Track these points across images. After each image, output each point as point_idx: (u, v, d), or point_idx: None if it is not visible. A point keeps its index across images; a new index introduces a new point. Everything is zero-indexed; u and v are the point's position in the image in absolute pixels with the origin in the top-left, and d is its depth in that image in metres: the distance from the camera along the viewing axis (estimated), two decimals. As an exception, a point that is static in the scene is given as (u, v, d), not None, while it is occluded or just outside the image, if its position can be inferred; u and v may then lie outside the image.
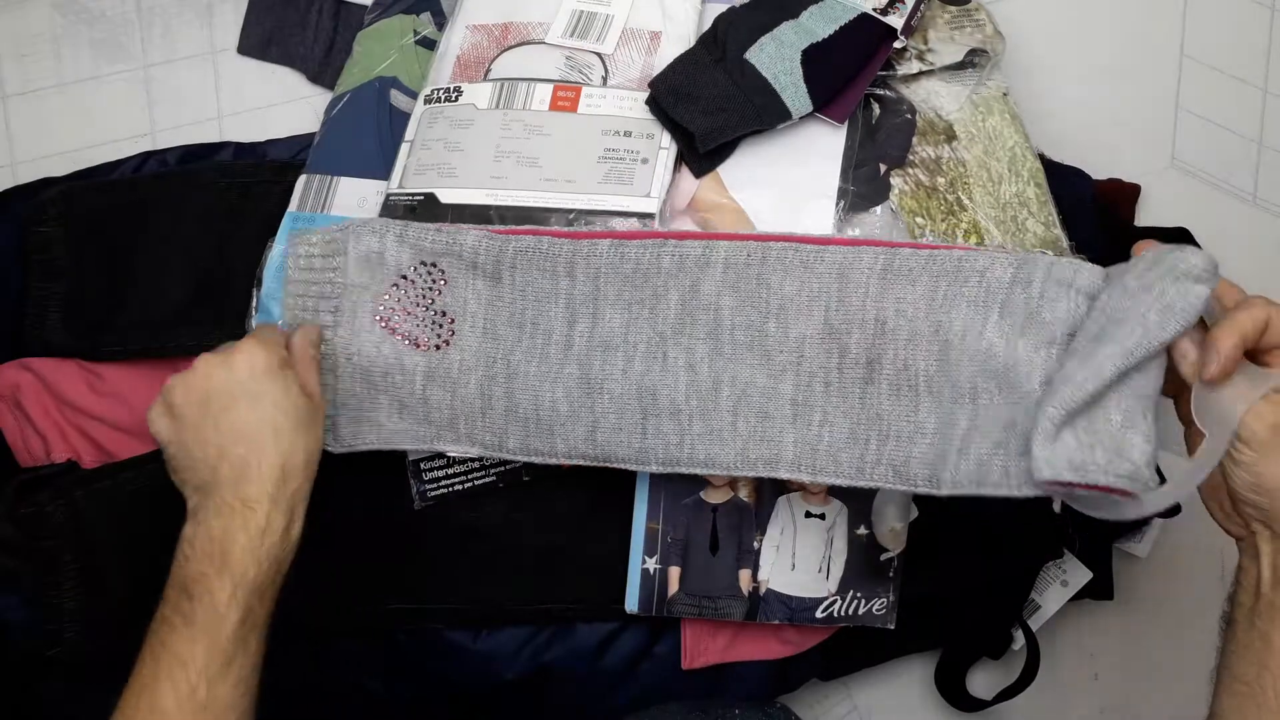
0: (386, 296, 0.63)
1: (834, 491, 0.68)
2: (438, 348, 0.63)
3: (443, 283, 0.63)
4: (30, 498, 0.68)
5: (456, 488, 0.69)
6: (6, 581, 0.68)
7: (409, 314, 0.63)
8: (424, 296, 0.63)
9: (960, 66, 0.73)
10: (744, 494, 0.68)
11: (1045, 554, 0.73)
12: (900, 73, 0.71)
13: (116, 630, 0.68)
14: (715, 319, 0.60)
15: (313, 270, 0.64)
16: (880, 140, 0.69)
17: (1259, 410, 0.50)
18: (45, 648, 0.68)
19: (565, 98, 0.67)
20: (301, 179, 0.72)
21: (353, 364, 0.63)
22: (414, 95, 0.73)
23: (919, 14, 0.72)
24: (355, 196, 0.70)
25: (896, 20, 0.70)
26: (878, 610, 0.69)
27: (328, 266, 0.64)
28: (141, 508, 0.68)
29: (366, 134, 0.72)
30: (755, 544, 0.69)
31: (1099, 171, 0.80)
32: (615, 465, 0.62)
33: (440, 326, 0.63)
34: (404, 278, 0.63)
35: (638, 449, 0.61)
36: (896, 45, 0.70)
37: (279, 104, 0.82)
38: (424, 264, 0.63)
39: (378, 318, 0.63)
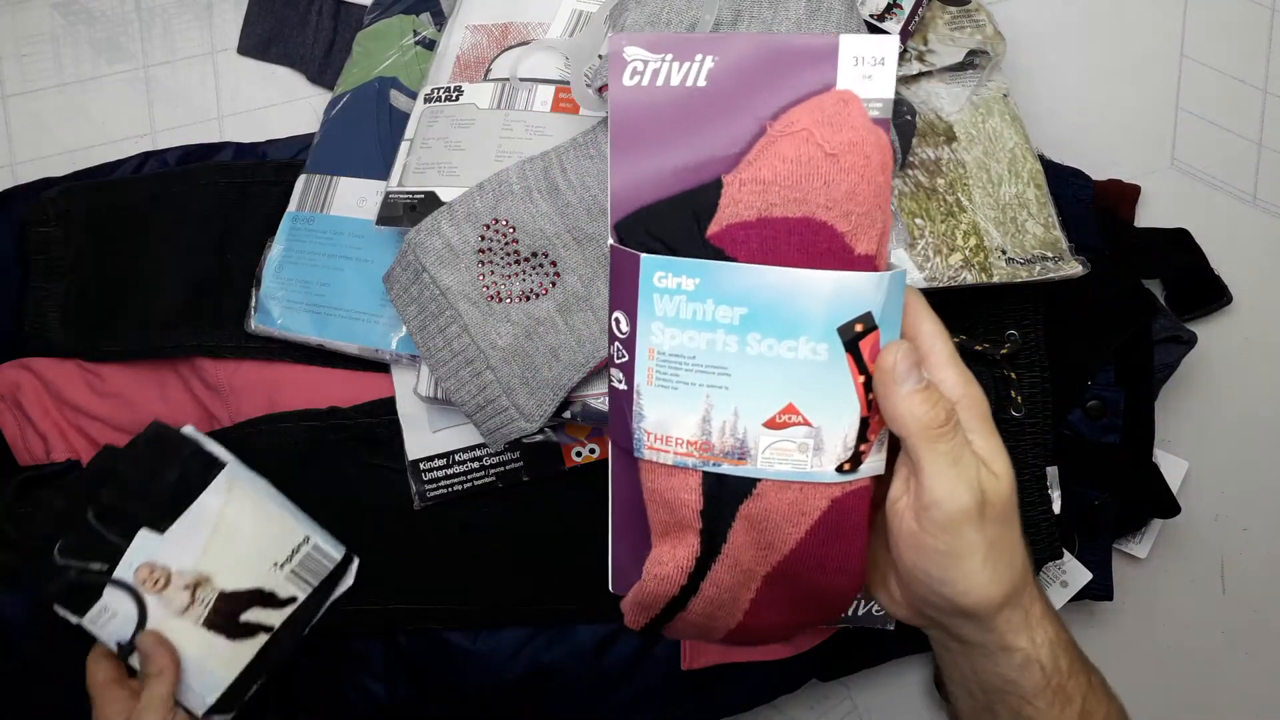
0: (481, 275, 0.62)
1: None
2: (554, 283, 0.62)
3: (512, 229, 0.61)
4: (31, 495, 0.68)
5: (456, 488, 0.69)
6: (7, 578, 0.68)
7: (510, 275, 0.62)
8: (509, 251, 0.62)
9: (960, 67, 0.73)
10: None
11: (1045, 554, 0.73)
12: (900, 74, 0.71)
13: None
14: None
15: (415, 300, 0.63)
16: (880, 141, 0.69)
17: (952, 483, 0.42)
18: (44, 644, 0.68)
19: (568, 99, 0.67)
20: (301, 179, 0.72)
21: (499, 348, 0.62)
22: (414, 95, 0.73)
23: (917, 17, 0.72)
24: (355, 196, 0.70)
25: (894, 25, 0.70)
26: (878, 611, 0.69)
27: (423, 289, 0.63)
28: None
29: (366, 134, 0.72)
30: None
31: (1099, 172, 0.80)
32: None
33: (541, 265, 0.62)
34: (482, 250, 0.62)
35: None
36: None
37: (279, 104, 0.82)
38: (487, 226, 0.62)
39: (490, 296, 0.62)
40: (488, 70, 0.70)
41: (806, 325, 0.44)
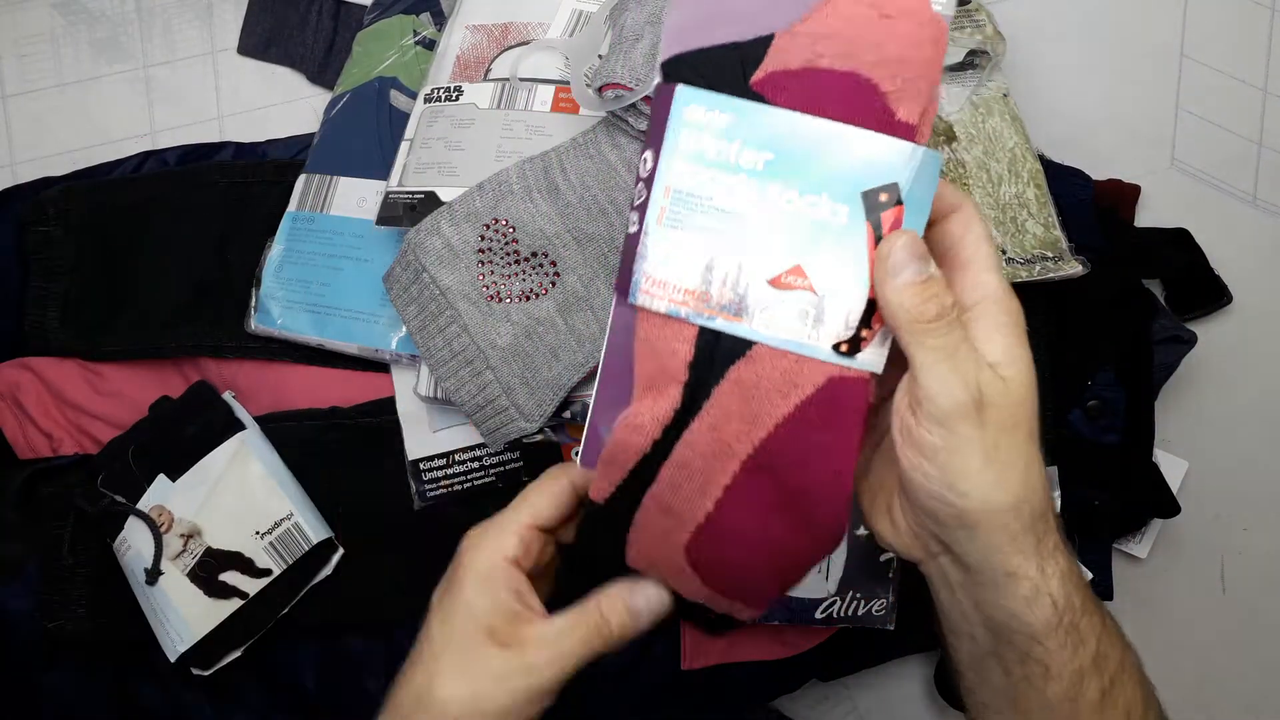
0: (481, 275, 0.62)
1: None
2: (554, 283, 0.62)
3: (512, 229, 0.62)
4: (51, 482, 0.69)
5: (456, 488, 0.69)
6: (10, 570, 0.69)
7: (510, 275, 0.62)
8: (509, 251, 0.62)
9: (960, 67, 0.73)
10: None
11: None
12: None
13: (122, 618, 0.68)
14: None
15: (415, 300, 0.63)
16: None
17: (944, 377, 0.40)
18: (48, 620, 0.68)
19: (568, 99, 0.67)
20: (301, 179, 0.72)
21: (499, 348, 0.62)
22: (414, 95, 0.73)
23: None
24: (355, 196, 0.70)
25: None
26: (877, 611, 0.69)
27: (423, 289, 0.63)
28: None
29: (366, 134, 0.72)
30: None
31: (1099, 172, 0.80)
32: None
33: (541, 265, 0.62)
34: (481, 250, 0.62)
35: None
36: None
37: (279, 104, 0.82)
38: (486, 226, 0.62)
39: (490, 296, 0.62)
40: (488, 70, 0.70)
41: (831, 183, 0.43)
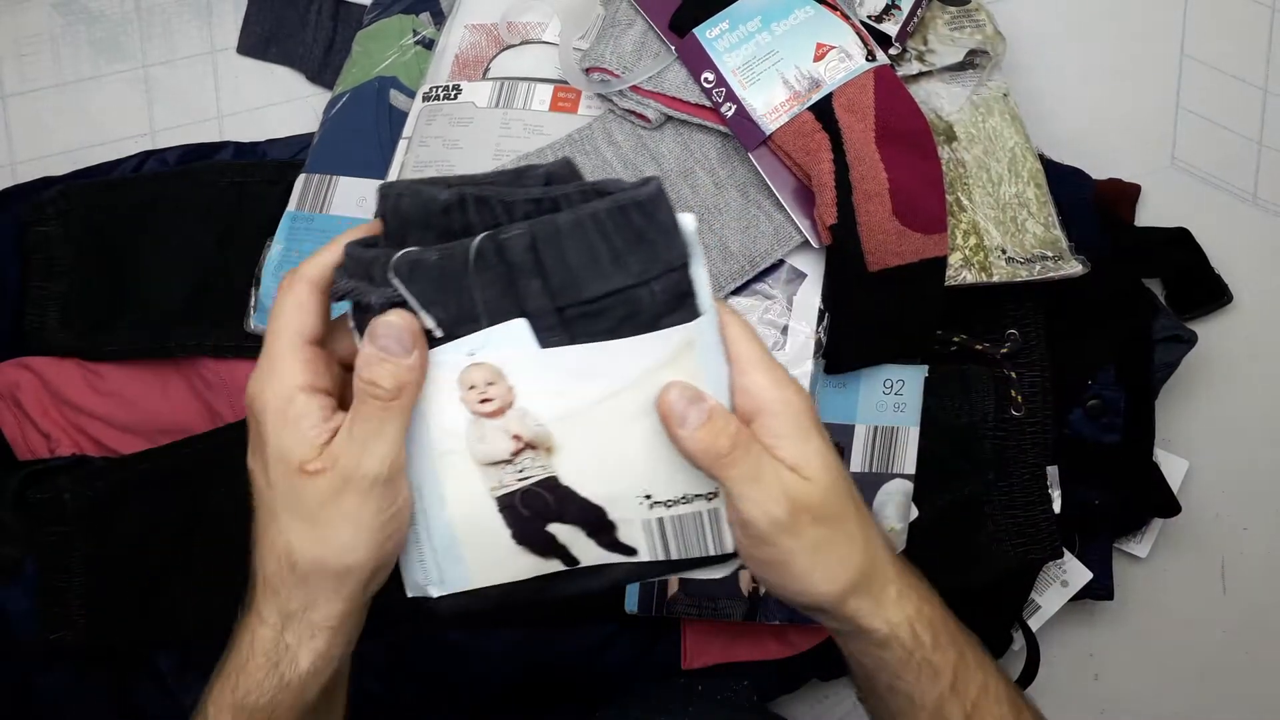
0: None
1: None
2: None
3: None
4: (41, 486, 0.69)
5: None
6: (9, 571, 0.68)
7: None
8: None
9: (960, 67, 0.73)
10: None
11: (1045, 554, 0.73)
12: (900, 74, 0.71)
13: (121, 620, 0.68)
14: None
15: None
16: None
17: (756, 501, 0.42)
18: (49, 631, 0.68)
19: (566, 98, 0.67)
20: (300, 178, 0.72)
21: None
22: (413, 95, 0.73)
23: (916, 18, 0.72)
24: (354, 196, 0.70)
25: (891, 26, 0.70)
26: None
27: None
28: (154, 498, 0.69)
29: (366, 134, 0.72)
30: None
31: (1099, 171, 0.80)
32: None
33: None
34: None
35: None
36: (894, 50, 0.70)
37: (278, 103, 0.82)
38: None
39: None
40: (486, 69, 0.70)
41: None
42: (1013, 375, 0.71)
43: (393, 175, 0.67)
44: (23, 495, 0.69)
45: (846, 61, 0.64)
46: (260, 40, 0.82)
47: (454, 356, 0.41)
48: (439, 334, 0.41)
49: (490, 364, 0.41)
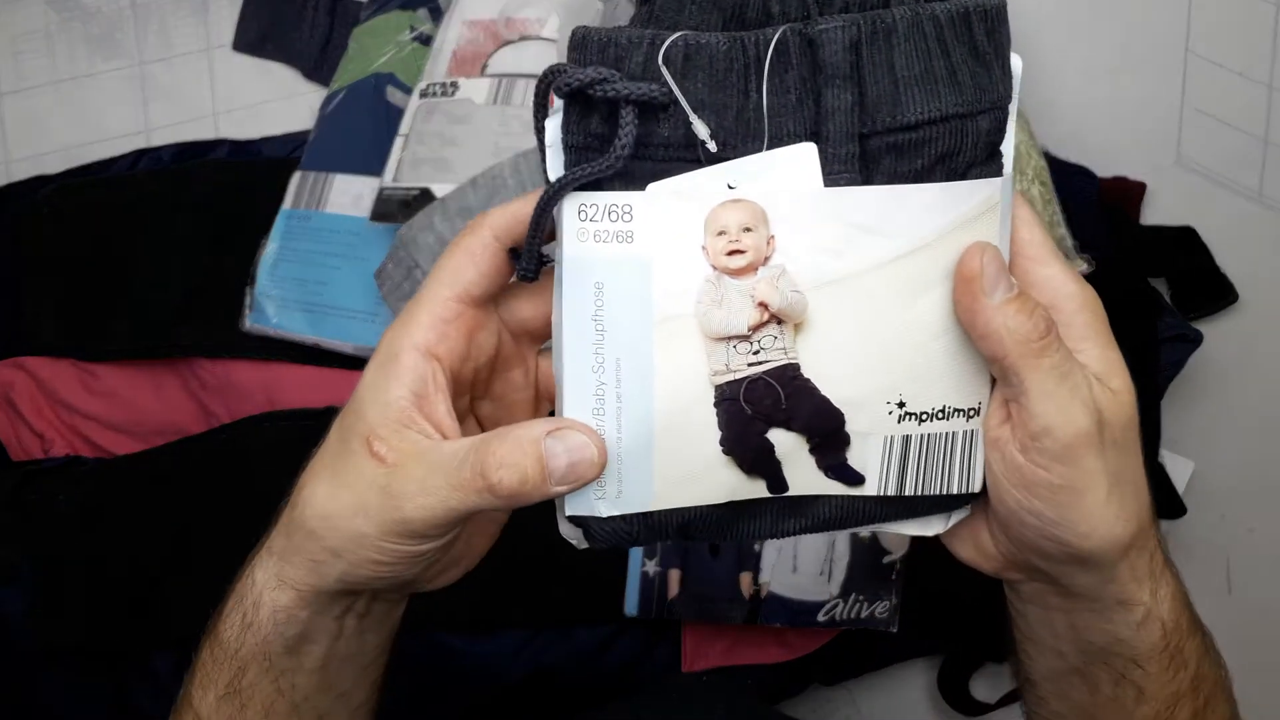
0: None
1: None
2: None
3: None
4: (36, 487, 0.68)
5: (454, 489, 0.68)
6: (5, 573, 0.68)
7: None
8: None
9: (964, 63, 0.72)
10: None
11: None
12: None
13: (117, 621, 0.68)
14: None
15: (408, 296, 0.56)
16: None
17: (1064, 403, 0.34)
18: (45, 632, 0.67)
19: (563, 94, 0.66)
20: (296, 176, 0.71)
21: None
22: (410, 91, 0.72)
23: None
24: (350, 193, 0.70)
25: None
26: (880, 613, 0.68)
27: (415, 285, 0.59)
28: (149, 499, 0.69)
29: (362, 130, 0.71)
30: (756, 546, 0.68)
31: (1104, 169, 0.79)
32: None
33: None
34: None
35: None
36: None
37: (274, 100, 0.82)
38: None
39: None
40: (485, 66, 0.69)
41: None
42: (1017, 375, 0.71)
43: (389, 172, 0.66)
44: (18, 496, 0.69)
45: None
46: (256, 37, 0.82)
47: (710, 187, 0.32)
48: (713, 149, 0.31)
49: (752, 202, 0.32)
